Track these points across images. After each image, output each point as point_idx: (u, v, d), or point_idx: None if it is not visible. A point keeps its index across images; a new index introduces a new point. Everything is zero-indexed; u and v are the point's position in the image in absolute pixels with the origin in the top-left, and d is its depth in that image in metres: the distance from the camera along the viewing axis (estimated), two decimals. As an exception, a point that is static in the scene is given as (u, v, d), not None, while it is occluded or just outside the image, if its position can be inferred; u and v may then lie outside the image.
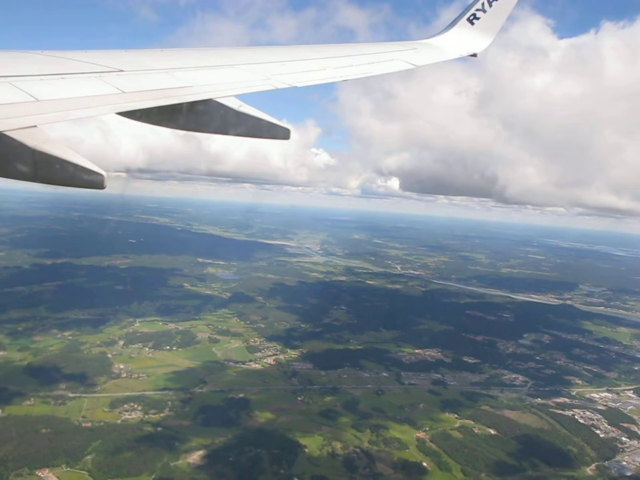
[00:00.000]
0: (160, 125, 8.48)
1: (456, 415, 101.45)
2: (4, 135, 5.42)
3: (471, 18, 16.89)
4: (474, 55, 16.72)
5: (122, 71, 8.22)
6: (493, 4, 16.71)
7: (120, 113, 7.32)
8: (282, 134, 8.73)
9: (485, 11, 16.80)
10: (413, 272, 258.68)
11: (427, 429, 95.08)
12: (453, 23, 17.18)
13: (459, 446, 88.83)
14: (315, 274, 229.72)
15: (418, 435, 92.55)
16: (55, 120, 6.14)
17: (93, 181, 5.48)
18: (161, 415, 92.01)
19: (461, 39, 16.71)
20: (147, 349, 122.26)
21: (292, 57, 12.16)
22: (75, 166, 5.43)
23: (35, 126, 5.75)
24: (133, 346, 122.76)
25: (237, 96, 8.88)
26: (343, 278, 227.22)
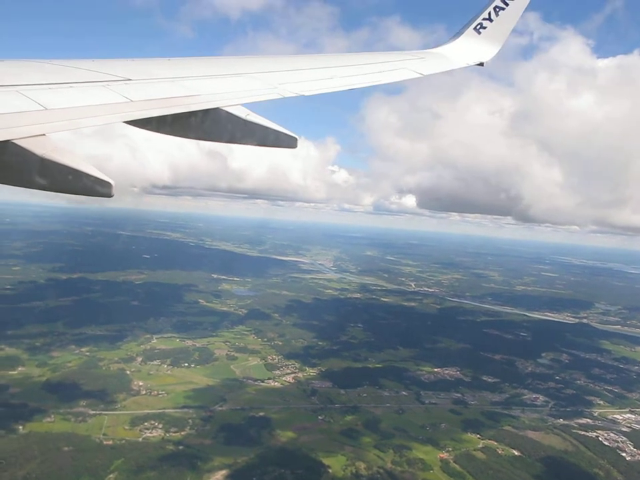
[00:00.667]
0: (167, 134, 8.38)
1: (478, 435, 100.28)
2: (13, 143, 5.44)
3: (478, 27, 16.94)
4: (481, 64, 16.71)
5: (130, 79, 8.29)
6: (499, 13, 16.74)
7: (128, 122, 7.29)
8: (289, 142, 8.70)
9: (491, 20, 16.85)
10: (427, 289, 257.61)
11: (450, 449, 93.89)
12: (460, 32, 17.21)
13: (483, 467, 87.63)
14: (329, 291, 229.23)
15: (441, 455, 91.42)
16: (63, 128, 6.16)
17: (100, 189, 5.49)
18: (182, 433, 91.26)
19: (468, 48, 16.75)
20: (165, 365, 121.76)
21: (299, 65, 12.19)
22: (83, 174, 5.47)
23: (44, 134, 5.77)
24: (151, 363, 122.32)
25: (245, 105, 8.83)
26: (358, 295, 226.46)
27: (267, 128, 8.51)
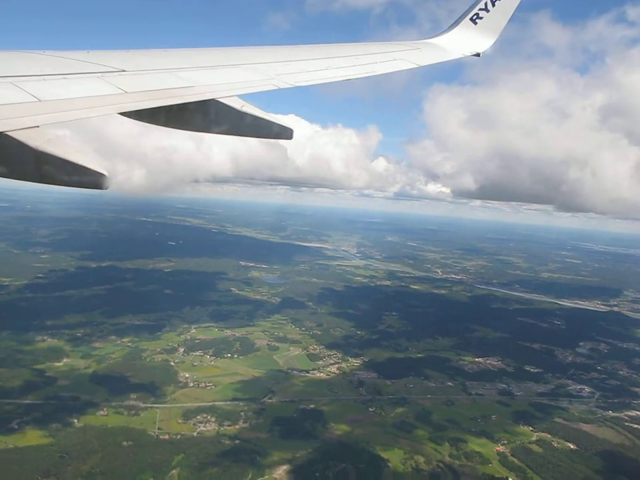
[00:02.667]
0: (162, 125, 8.25)
1: (531, 428, 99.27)
2: (6, 135, 5.32)
3: (474, 17, 16.69)
4: (477, 55, 16.43)
5: (124, 71, 8.19)
6: (495, 4, 16.53)
7: (122, 113, 7.17)
8: (285, 134, 8.59)
9: (487, 11, 16.61)
10: (454, 276, 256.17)
11: (505, 442, 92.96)
12: (456, 23, 16.96)
13: (541, 461, 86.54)
14: (358, 278, 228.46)
15: (497, 448, 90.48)
16: (57, 120, 6.07)
17: (95, 181, 5.37)
18: (236, 427, 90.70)
19: (464, 39, 16.56)
20: (208, 356, 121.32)
21: (295, 56, 12.05)
22: (77, 166, 5.33)
23: (37, 126, 5.65)
24: (194, 353, 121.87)
25: (241, 96, 8.71)
26: (387, 282, 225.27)
27: (262, 119, 8.42)
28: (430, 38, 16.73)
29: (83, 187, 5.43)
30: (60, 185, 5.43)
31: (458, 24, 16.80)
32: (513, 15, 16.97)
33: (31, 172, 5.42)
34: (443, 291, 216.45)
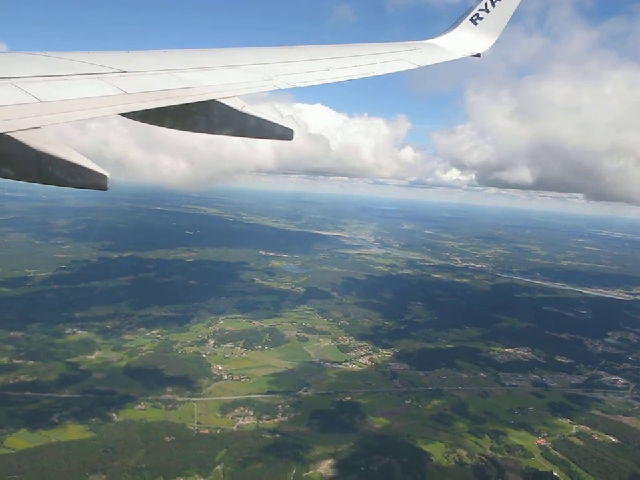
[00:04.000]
0: (163, 126, 8.27)
1: (569, 420, 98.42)
2: (7, 136, 5.35)
3: (474, 18, 16.70)
4: (477, 55, 16.45)
5: (125, 72, 8.25)
6: (496, 4, 16.53)
7: (123, 114, 7.20)
8: (285, 134, 8.48)
9: (488, 11, 16.62)
10: (474, 265, 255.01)
11: (545, 434, 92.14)
12: (456, 24, 16.97)
13: (584, 454, 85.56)
14: (379, 267, 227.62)
15: (538, 441, 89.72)
16: (58, 121, 6.10)
17: (96, 182, 5.41)
18: (275, 420, 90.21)
19: (465, 39, 16.57)
20: (239, 348, 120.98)
21: (295, 57, 12.10)
22: (78, 167, 5.37)
23: (39, 127, 5.69)
24: (225, 345, 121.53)
25: (242, 96, 8.72)
26: (409, 271, 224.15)
27: (263, 120, 8.36)
28: (430, 38, 16.78)
29: (84, 188, 5.46)
30: (61, 185, 5.47)
31: (458, 24, 16.84)
32: (513, 15, 16.97)
33: (33, 173, 5.45)
34: (465, 280, 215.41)
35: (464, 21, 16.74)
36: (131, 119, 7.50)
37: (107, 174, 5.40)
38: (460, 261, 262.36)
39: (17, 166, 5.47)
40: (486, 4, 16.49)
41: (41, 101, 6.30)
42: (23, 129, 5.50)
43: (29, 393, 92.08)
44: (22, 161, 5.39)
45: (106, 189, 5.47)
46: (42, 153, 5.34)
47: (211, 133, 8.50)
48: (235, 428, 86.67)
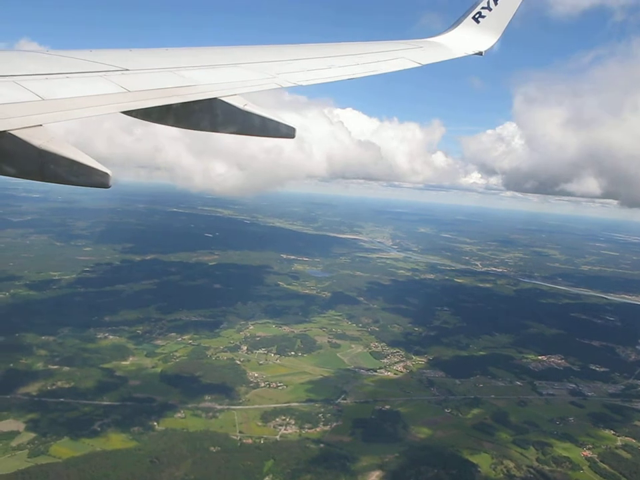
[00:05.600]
0: (165, 124, 8.20)
1: (612, 432, 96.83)
2: (10, 134, 5.34)
3: (476, 16, 16.64)
4: (479, 54, 16.36)
5: (127, 70, 8.19)
6: (498, 2, 16.49)
7: (125, 112, 7.18)
8: (287, 132, 8.40)
9: (490, 9, 16.55)
10: (494, 269, 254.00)
11: (590, 446, 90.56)
12: (458, 21, 16.92)
13: (634, 468, 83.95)
14: (401, 271, 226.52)
15: (584, 453, 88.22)
16: (61, 119, 6.07)
17: (98, 179, 5.40)
18: (317, 429, 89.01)
19: (467, 38, 16.53)
20: (272, 354, 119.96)
21: (297, 55, 12.03)
22: (81, 165, 5.36)
23: (41, 125, 5.66)
24: (257, 351, 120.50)
25: (244, 95, 8.64)
26: (431, 276, 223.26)
27: (265, 118, 8.28)
28: (433, 37, 16.71)
29: (86, 186, 5.43)
30: (63, 183, 5.42)
31: (460, 23, 16.78)
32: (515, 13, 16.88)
33: (35, 170, 5.44)
34: (488, 285, 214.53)
35: (466, 19, 16.71)
36: (133, 117, 7.53)
37: (109, 172, 5.38)
38: (480, 265, 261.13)
39: (19, 164, 5.48)
40: (488, 2, 16.46)
41: (43, 99, 6.30)
42: (25, 126, 5.49)
43: (67, 400, 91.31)
44: (24, 158, 5.39)
45: (108, 187, 5.45)
46: (44, 150, 5.33)
47: (215, 131, 8.44)
48: (278, 437, 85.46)
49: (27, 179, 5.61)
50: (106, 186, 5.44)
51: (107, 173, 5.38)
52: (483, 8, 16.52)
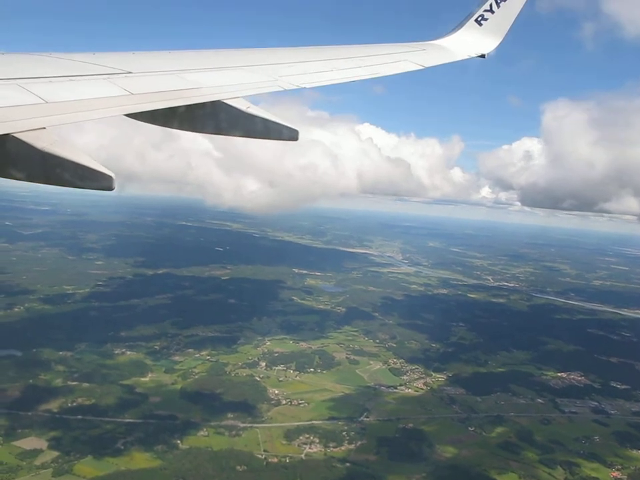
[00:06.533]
0: (168, 127, 8.19)
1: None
2: (13, 137, 5.33)
3: (479, 19, 16.65)
4: (482, 56, 16.41)
5: (130, 72, 8.19)
6: (500, 5, 16.45)
7: (128, 115, 7.09)
8: (290, 135, 8.30)
9: (492, 12, 16.55)
10: (506, 284, 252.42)
11: (619, 467, 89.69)
12: (461, 24, 16.88)
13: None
14: (414, 286, 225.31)
15: (613, 474, 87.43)
16: (64, 122, 6.09)
17: (102, 182, 5.37)
18: (342, 448, 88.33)
19: (469, 40, 16.53)
20: (291, 371, 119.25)
21: (299, 58, 12.03)
22: (84, 168, 5.34)
23: (44, 128, 5.68)
24: (277, 368, 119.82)
25: (247, 97, 8.63)
26: (444, 291, 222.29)
27: (268, 120, 8.21)
28: (435, 39, 16.73)
29: (89, 189, 5.39)
30: (67, 186, 5.41)
31: (463, 25, 16.78)
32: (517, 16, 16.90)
33: (38, 173, 5.42)
34: (501, 300, 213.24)
35: (468, 22, 16.70)
36: (136, 119, 7.50)
37: (112, 175, 5.34)
38: (492, 280, 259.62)
39: (23, 167, 5.46)
40: (490, 5, 16.44)
41: (46, 102, 6.29)
42: (28, 129, 5.48)
43: (89, 417, 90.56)
44: (28, 161, 5.37)
45: (111, 190, 5.39)
46: (48, 153, 5.30)
47: (218, 134, 8.44)
48: (303, 456, 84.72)
49: (31, 182, 5.54)
50: (109, 189, 5.40)
51: (111, 177, 5.35)
52: (485, 11, 16.56)
